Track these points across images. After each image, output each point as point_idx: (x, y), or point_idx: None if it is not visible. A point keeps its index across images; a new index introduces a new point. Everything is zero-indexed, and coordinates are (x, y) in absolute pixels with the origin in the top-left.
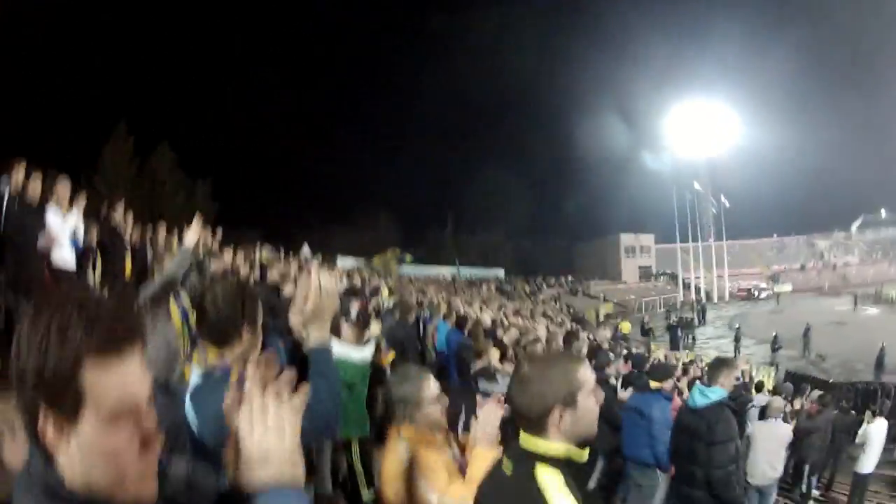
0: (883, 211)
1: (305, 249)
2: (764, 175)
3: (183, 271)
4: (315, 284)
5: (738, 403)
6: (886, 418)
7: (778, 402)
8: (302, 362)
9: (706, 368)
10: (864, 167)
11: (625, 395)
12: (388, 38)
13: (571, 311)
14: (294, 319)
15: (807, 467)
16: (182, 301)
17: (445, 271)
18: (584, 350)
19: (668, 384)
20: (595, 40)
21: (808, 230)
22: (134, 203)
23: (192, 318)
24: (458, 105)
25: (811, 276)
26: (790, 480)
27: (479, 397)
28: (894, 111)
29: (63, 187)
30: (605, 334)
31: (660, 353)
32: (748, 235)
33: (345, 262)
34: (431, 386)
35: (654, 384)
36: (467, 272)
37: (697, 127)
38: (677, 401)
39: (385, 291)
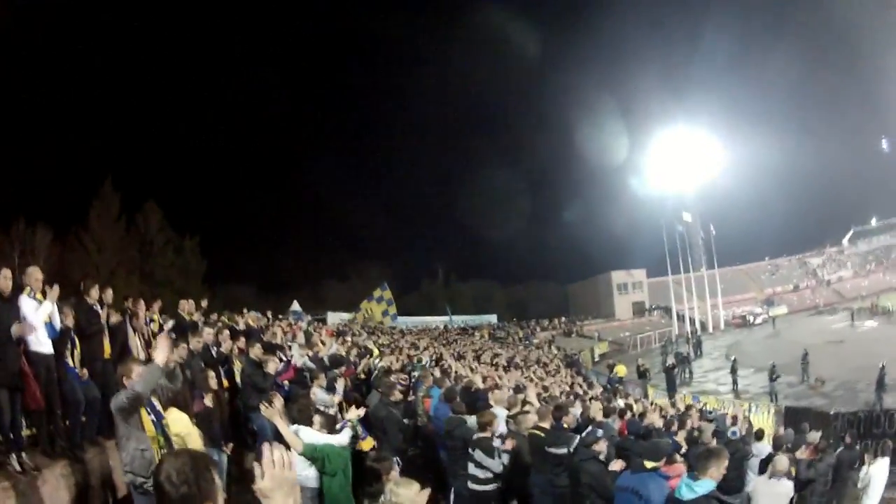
0: (873, 220)
1: (295, 306)
2: (750, 198)
3: (151, 388)
4: (268, 460)
5: (736, 458)
6: (891, 457)
7: (783, 462)
8: None
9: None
10: (850, 179)
11: (617, 465)
12: (382, 91)
13: (566, 353)
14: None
15: None
16: (155, 406)
17: (439, 320)
18: (573, 423)
19: (662, 463)
20: (579, 79)
21: (800, 249)
22: (123, 263)
23: (166, 420)
24: (445, 153)
25: (806, 295)
26: None
27: None
28: (873, 120)
29: (35, 273)
30: (597, 406)
31: (657, 398)
32: (740, 261)
33: (336, 317)
34: None
35: (649, 464)
36: (460, 319)
37: (682, 158)
38: (680, 467)
39: (375, 351)
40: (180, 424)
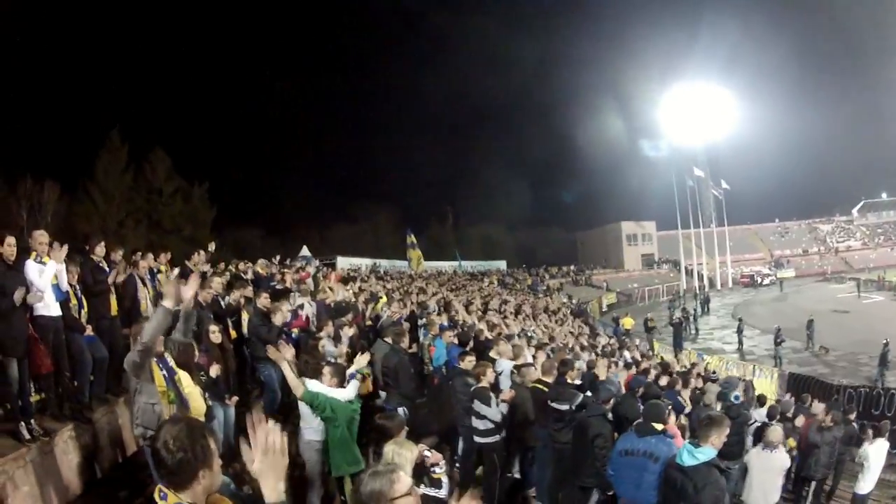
0: (884, 194)
1: (305, 252)
2: (764, 159)
3: (160, 333)
4: (262, 445)
5: (737, 423)
6: (888, 439)
7: (777, 432)
8: None
9: (704, 390)
10: (865, 150)
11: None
12: (385, 36)
13: (574, 302)
14: (249, 467)
15: (813, 484)
16: (167, 362)
17: (448, 265)
18: (578, 380)
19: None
20: (591, 26)
21: (810, 214)
22: (131, 213)
23: (179, 377)
24: (458, 100)
25: (814, 260)
26: (791, 490)
27: None
28: (894, 95)
29: (40, 237)
30: (603, 364)
31: (662, 353)
32: (750, 220)
33: (345, 262)
34: (403, 481)
35: (657, 426)
36: (469, 265)
37: (696, 111)
38: (675, 428)
39: (383, 298)
40: (182, 382)
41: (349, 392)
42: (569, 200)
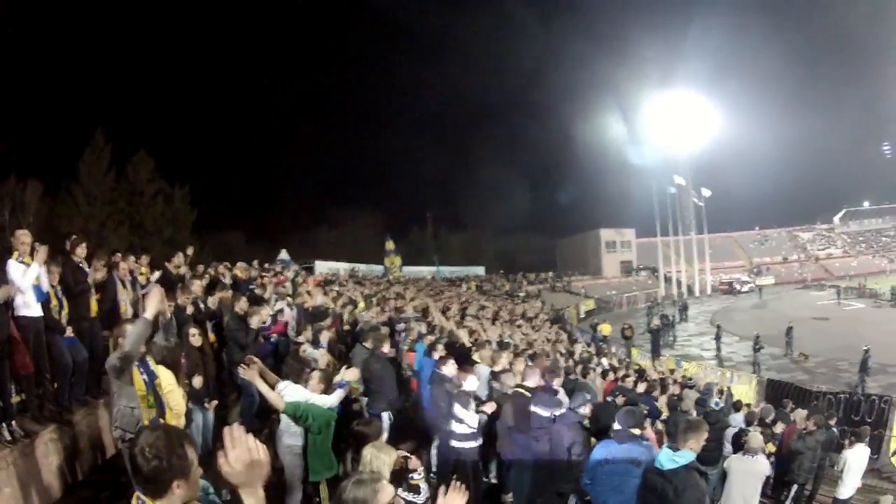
0: (866, 202)
1: (283, 255)
2: (745, 167)
3: (141, 343)
4: (244, 456)
5: (715, 429)
6: (868, 444)
7: (757, 439)
8: None
9: (682, 394)
10: (847, 159)
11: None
12: (366, 37)
13: (552, 309)
14: (223, 468)
15: (793, 489)
16: (148, 366)
17: (426, 271)
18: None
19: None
20: (572, 39)
21: (790, 222)
22: (113, 215)
23: (160, 381)
24: (440, 107)
25: (794, 268)
26: (770, 494)
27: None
28: (876, 104)
29: (23, 237)
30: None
31: (640, 360)
32: (730, 228)
33: (323, 266)
34: (386, 490)
35: (636, 431)
36: (447, 270)
37: (678, 120)
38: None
39: (361, 303)
40: (164, 381)
41: (332, 400)
42: (564, 203)
